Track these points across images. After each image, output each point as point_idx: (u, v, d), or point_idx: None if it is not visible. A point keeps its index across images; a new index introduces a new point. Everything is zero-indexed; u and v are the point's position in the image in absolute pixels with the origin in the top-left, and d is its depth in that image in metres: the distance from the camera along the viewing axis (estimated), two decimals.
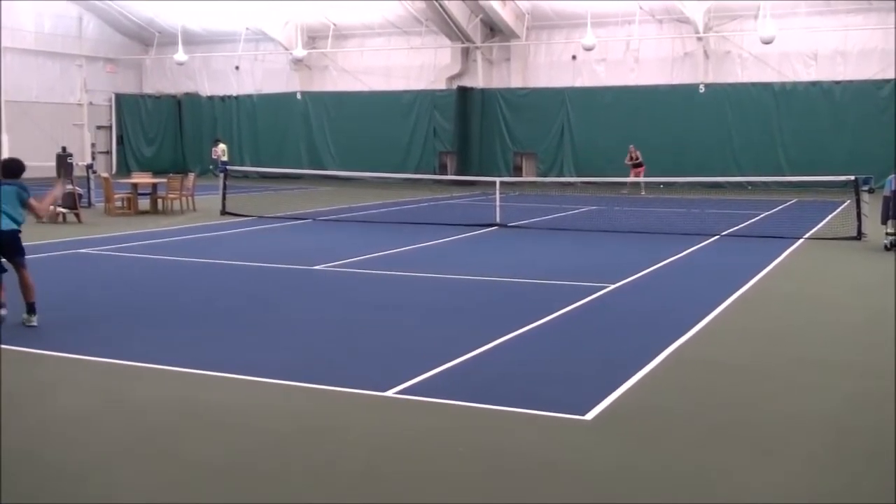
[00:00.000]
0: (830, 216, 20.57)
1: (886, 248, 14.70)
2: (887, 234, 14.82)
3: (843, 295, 11.20)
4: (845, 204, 21.98)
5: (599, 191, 29.19)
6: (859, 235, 16.08)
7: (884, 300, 10.57)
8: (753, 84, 31.33)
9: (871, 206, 16.44)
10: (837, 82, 30.29)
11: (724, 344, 8.43)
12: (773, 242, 15.77)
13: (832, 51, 30.83)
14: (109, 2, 37.55)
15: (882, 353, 8.08)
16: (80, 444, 5.72)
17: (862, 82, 29.88)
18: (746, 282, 11.58)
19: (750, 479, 5.14)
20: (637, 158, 28.64)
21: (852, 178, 17.29)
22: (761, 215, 21.28)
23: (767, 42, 29.23)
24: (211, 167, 34.29)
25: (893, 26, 29.33)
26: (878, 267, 13.31)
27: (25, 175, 9.58)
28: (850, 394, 6.86)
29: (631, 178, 27.83)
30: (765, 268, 12.82)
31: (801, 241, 16.12)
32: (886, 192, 14.86)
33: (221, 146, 33.52)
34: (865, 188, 16.69)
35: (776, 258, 13.83)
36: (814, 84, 30.60)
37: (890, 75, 29.56)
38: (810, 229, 17.80)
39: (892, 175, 15.35)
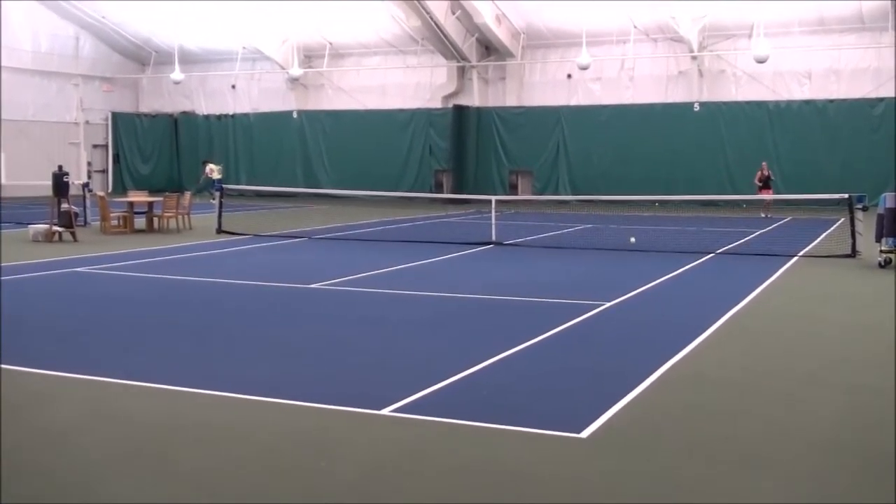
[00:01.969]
0: (825, 234, 20.64)
1: (881, 266, 14.75)
2: (881, 251, 14.87)
3: (837, 313, 11.22)
4: (839, 222, 22.07)
5: (595, 209, 29.26)
6: (853, 253, 16.13)
7: (878, 317, 10.60)
8: (748, 102, 31.51)
9: (865, 224, 16.50)
10: (831, 101, 30.47)
11: (718, 361, 8.44)
12: (767, 260, 15.82)
13: (825, 69, 31.01)
14: (106, 21, 37.68)
15: (876, 369, 8.10)
16: (71, 459, 5.71)
17: (855, 101, 30.07)
18: (741, 300, 11.61)
19: (745, 495, 5.14)
20: (767, 177, 26.67)
21: (846, 196, 17.36)
22: (756, 233, 21.34)
23: (761, 61, 29.38)
24: (205, 188, 34.26)
25: (886, 46, 29.56)
26: (873, 284, 13.36)
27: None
28: (844, 410, 6.87)
29: (762, 196, 26.18)
30: (759, 286, 12.86)
31: (795, 259, 16.16)
32: (880, 209, 14.91)
33: (210, 166, 33.60)
34: (859, 206, 16.75)
35: (771, 276, 13.87)
36: (807, 102, 30.78)
37: (883, 94, 29.76)
38: (805, 247, 17.85)
39: (886, 193, 15.43)
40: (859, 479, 5.45)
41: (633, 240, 12.02)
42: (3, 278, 13.25)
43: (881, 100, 29.70)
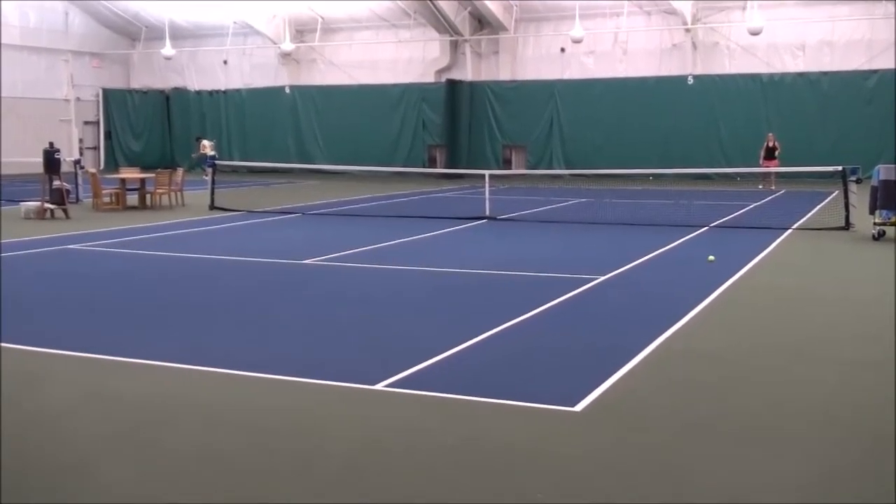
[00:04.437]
0: (818, 206, 20.64)
1: (874, 238, 14.77)
2: (875, 224, 14.88)
3: (831, 287, 11.24)
4: (833, 194, 22.05)
5: (589, 183, 29.23)
6: (847, 225, 16.14)
7: (873, 291, 10.62)
8: (741, 75, 31.41)
9: (859, 197, 16.51)
10: (824, 73, 30.39)
11: (712, 335, 8.45)
12: (761, 233, 15.82)
13: (819, 41, 30.91)
14: None
15: (870, 343, 8.12)
16: (64, 438, 5.69)
17: (848, 73, 29.99)
18: (735, 273, 11.61)
19: (738, 469, 5.15)
20: (775, 147, 26.43)
21: (840, 168, 17.35)
22: (750, 206, 21.34)
23: (755, 33, 29.29)
24: (198, 164, 34.23)
25: (879, 17, 29.46)
26: (866, 257, 13.38)
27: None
28: (838, 384, 6.88)
29: (763, 169, 26.18)
30: (753, 259, 12.86)
31: (789, 231, 16.17)
32: (874, 182, 14.91)
33: (203, 142, 33.49)
34: (853, 178, 16.75)
35: (764, 249, 13.87)
36: (801, 75, 30.70)
37: (876, 66, 29.69)
38: (798, 220, 17.85)
39: (880, 165, 15.42)
40: (857, 455, 5.45)
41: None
42: None
43: (874, 72, 29.63)
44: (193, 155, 34.48)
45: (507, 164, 34.40)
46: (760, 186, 26.79)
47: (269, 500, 4.77)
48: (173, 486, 4.95)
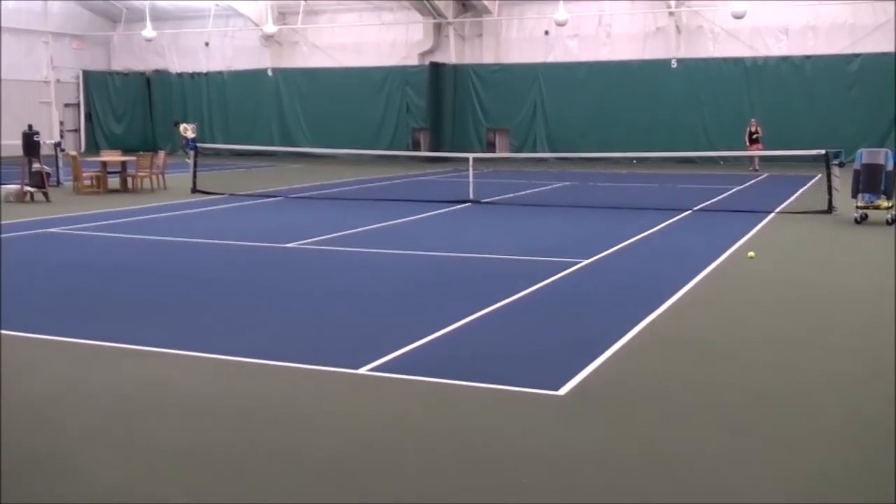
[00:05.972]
0: (801, 190, 20.71)
1: (857, 222, 14.82)
2: (857, 207, 14.94)
3: (813, 270, 11.27)
4: (816, 178, 22.15)
5: (573, 166, 29.22)
6: (830, 209, 16.19)
7: (857, 275, 10.65)
8: (725, 59, 31.42)
9: (842, 180, 16.56)
10: (808, 57, 30.43)
11: (695, 320, 8.45)
12: (744, 217, 15.85)
13: (803, 25, 30.95)
14: None
15: (853, 330, 8.14)
16: (47, 429, 5.60)
17: (832, 57, 30.05)
18: (718, 257, 11.62)
19: (721, 455, 5.15)
20: (756, 133, 27.21)
21: (823, 152, 17.40)
22: (733, 189, 21.38)
23: (739, 17, 29.28)
24: (182, 148, 34.08)
25: (862, 1, 29.49)
26: (849, 241, 13.42)
27: None
28: (821, 372, 6.88)
29: (749, 153, 26.79)
30: (736, 242, 12.87)
31: (772, 215, 16.20)
32: (856, 165, 14.96)
33: (182, 125, 33.27)
34: (836, 162, 16.80)
35: (748, 233, 13.89)
36: (784, 59, 30.74)
37: (858, 50, 29.75)
38: (781, 203, 17.90)
39: (862, 149, 15.47)
40: (839, 443, 5.45)
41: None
42: None
43: (857, 55, 29.71)
44: (181, 144, 34.20)
45: (490, 147, 34.34)
46: (750, 169, 27.31)
47: (259, 495, 4.72)
48: (155, 477, 4.88)
